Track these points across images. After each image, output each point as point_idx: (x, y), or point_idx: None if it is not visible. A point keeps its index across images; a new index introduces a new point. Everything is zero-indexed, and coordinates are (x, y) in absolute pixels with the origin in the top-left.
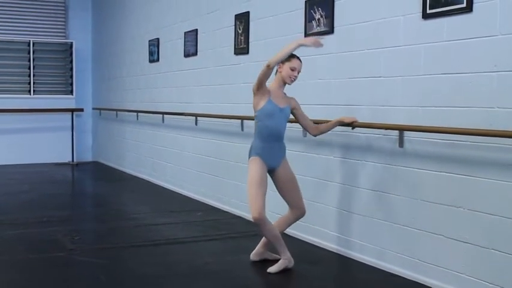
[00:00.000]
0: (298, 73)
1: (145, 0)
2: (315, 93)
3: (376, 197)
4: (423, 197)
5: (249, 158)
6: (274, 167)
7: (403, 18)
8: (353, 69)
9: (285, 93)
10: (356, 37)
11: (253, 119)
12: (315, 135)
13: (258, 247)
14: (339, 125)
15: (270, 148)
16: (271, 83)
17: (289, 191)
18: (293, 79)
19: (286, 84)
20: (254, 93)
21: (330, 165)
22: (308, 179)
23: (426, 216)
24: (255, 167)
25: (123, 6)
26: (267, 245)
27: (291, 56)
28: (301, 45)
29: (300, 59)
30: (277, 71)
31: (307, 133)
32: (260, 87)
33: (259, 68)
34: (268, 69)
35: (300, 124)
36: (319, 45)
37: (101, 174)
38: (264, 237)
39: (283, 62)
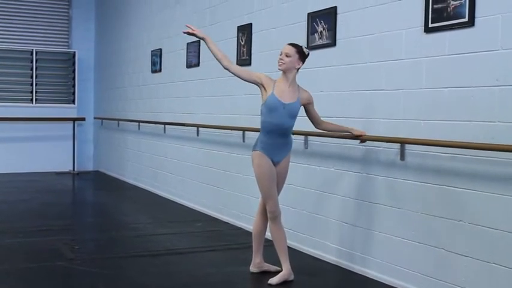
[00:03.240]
0: (286, 56)
1: (148, 11)
2: (316, 106)
3: (377, 209)
4: (424, 210)
5: (253, 150)
6: (275, 162)
7: (405, 32)
8: (355, 81)
9: (298, 86)
10: (358, 50)
11: (254, 131)
12: (318, 128)
13: (254, 258)
14: (345, 136)
15: (272, 144)
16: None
17: (278, 184)
18: (280, 64)
19: (294, 76)
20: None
21: (331, 177)
22: (309, 191)
23: (427, 230)
24: (262, 162)
25: (126, 17)
26: (261, 252)
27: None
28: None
29: (290, 44)
30: None
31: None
32: (247, 80)
33: None
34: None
35: (309, 117)
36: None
37: (102, 183)
38: (255, 247)
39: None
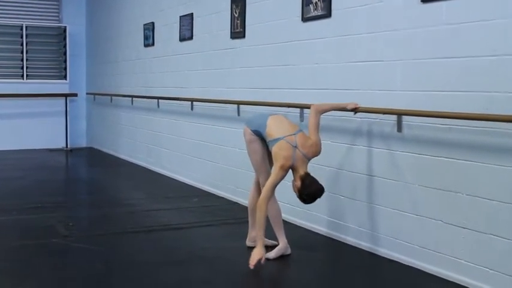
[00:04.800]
0: None
1: None
2: (311, 78)
3: (373, 182)
4: (422, 182)
5: (249, 127)
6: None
7: (402, 2)
8: (351, 53)
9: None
10: (354, 21)
11: (249, 104)
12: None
13: (250, 232)
14: (339, 110)
15: None
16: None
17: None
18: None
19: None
20: (274, 157)
21: (327, 150)
22: None
23: (425, 202)
24: (253, 137)
25: None
26: None
27: (303, 201)
28: (259, 249)
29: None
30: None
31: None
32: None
33: (256, 52)
34: (258, 202)
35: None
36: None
37: (96, 160)
38: (251, 221)
39: (299, 193)
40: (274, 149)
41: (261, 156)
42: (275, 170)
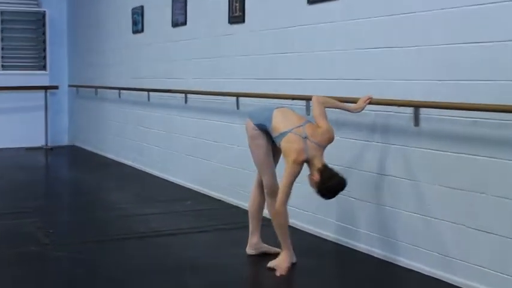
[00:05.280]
0: None
1: None
2: (316, 67)
3: (387, 182)
4: (441, 182)
5: (253, 121)
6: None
7: None
8: (361, 39)
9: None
10: (366, 3)
11: (249, 96)
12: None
13: (251, 238)
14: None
15: None
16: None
17: (274, 155)
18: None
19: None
20: (284, 154)
21: (336, 146)
22: None
23: (445, 204)
24: (260, 134)
25: None
26: (258, 232)
27: (322, 196)
28: (286, 257)
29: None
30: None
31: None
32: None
33: (257, 39)
34: (272, 211)
35: None
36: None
37: (79, 159)
38: (252, 227)
39: (317, 187)
40: (283, 144)
41: (265, 154)
42: (288, 167)
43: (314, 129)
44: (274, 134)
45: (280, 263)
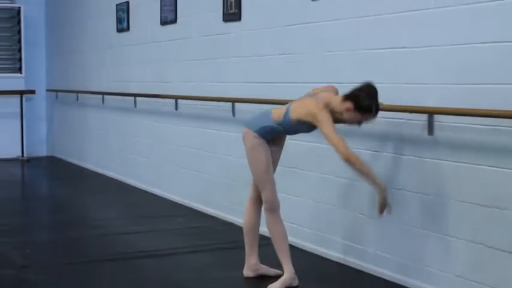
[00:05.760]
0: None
1: None
2: (320, 70)
3: (399, 196)
4: (458, 196)
5: (250, 128)
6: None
7: None
8: (371, 38)
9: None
10: None
11: (246, 102)
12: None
13: (248, 259)
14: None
15: (278, 137)
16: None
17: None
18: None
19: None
20: (309, 117)
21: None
22: (313, 175)
23: (462, 220)
24: (257, 142)
25: None
26: (256, 251)
27: (369, 112)
28: (380, 192)
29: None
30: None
31: None
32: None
33: (255, 38)
34: (343, 160)
35: None
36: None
37: (59, 172)
38: (248, 246)
39: (356, 108)
40: (297, 111)
41: (266, 165)
42: (320, 121)
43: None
44: (279, 119)
45: (379, 203)
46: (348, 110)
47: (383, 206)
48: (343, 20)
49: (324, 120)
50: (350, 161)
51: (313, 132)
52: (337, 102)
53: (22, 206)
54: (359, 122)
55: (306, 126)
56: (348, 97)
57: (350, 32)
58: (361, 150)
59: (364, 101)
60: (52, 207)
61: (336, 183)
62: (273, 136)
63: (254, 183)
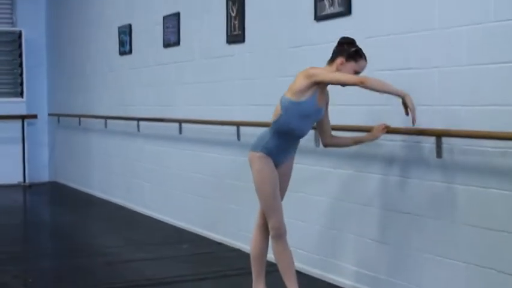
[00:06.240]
0: None
1: None
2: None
3: (408, 221)
4: (468, 220)
5: (253, 150)
6: (277, 163)
7: None
8: (376, 59)
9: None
10: (379, 18)
11: (251, 125)
12: (326, 146)
13: (256, 286)
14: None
15: (284, 149)
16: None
17: (280, 190)
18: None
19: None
20: (307, 80)
21: (349, 182)
22: (321, 200)
23: (472, 245)
24: (264, 166)
25: None
26: (263, 279)
27: (360, 56)
28: (402, 98)
29: (366, 60)
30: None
31: (320, 142)
32: (320, 84)
33: (259, 60)
34: (358, 85)
35: (318, 125)
36: (413, 119)
37: (61, 198)
38: (255, 273)
39: (347, 59)
40: (292, 86)
41: (273, 189)
42: (316, 73)
43: None
44: (278, 116)
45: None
46: (341, 64)
47: (414, 109)
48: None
49: (319, 70)
50: (364, 83)
51: (320, 156)
52: (326, 69)
53: (24, 233)
54: (356, 73)
55: (312, 106)
56: (333, 57)
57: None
58: (368, 173)
59: (350, 50)
60: (54, 234)
61: (347, 207)
62: (279, 148)
63: (261, 210)
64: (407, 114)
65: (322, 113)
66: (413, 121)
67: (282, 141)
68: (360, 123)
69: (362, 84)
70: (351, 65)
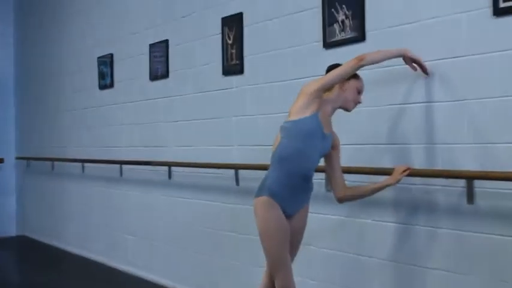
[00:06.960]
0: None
1: (93, 2)
2: (337, 126)
3: (435, 277)
4: (505, 276)
5: (260, 195)
6: (287, 214)
7: (465, 16)
8: (393, 91)
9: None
10: (396, 45)
11: (251, 168)
12: (341, 200)
13: None
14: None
15: (292, 188)
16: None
17: (292, 246)
18: (356, 104)
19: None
20: (307, 94)
21: (367, 232)
22: (335, 254)
23: None
24: (271, 214)
25: (61, 11)
26: None
27: (356, 75)
28: (403, 56)
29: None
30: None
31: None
32: (327, 89)
33: (259, 94)
34: (359, 65)
35: (328, 174)
36: (423, 70)
37: (31, 254)
38: None
39: (348, 78)
40: (293, 109)
41: (281, 238)
42: (315, 82)
43: None
44: (276, 146)
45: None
46: (343, 85)
47: (419, 59)
48: (361, 71)
49: (317, 80)
50: (364, 59)
51: (331, 203)
52: (325, 96)
53: None
54: (359, 91)
55: (314, 122)
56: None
57: (369, 85)
58: (388, 223)
59: None
60: None
61: (365, 262)
62: (286, 188)
63: (268, 267)
64: (415, 69)
65: (329, 141)
66: (425, 70)
67: (288, 178)
68: (377, 165)
69: (362, 62)
70: (353, 82)
